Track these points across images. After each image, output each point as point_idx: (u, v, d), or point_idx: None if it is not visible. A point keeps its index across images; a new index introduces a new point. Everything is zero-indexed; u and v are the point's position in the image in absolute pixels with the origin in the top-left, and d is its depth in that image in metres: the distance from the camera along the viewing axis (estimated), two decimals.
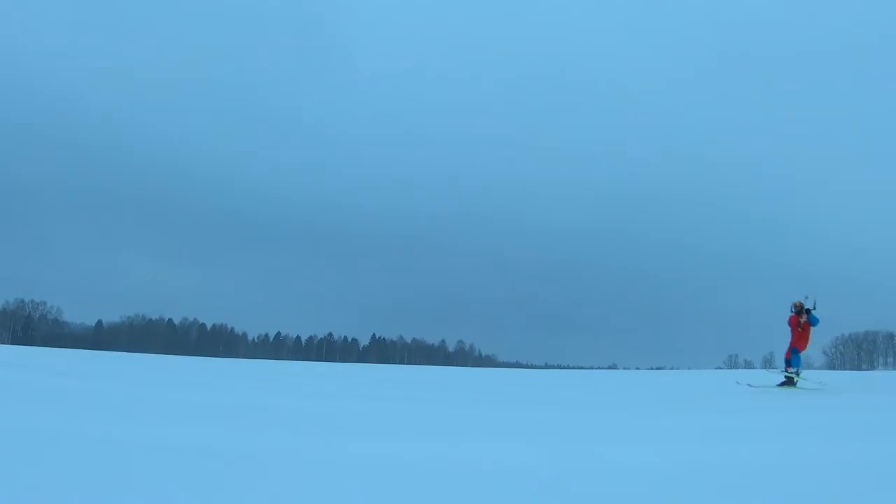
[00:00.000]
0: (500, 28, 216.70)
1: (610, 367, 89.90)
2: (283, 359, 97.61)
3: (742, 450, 5.02)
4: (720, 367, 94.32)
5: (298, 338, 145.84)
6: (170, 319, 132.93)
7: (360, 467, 3.67)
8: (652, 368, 73.78)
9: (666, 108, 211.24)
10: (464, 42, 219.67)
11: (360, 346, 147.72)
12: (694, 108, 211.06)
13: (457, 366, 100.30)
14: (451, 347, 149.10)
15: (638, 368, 74.00)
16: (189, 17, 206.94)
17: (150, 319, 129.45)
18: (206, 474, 3.29)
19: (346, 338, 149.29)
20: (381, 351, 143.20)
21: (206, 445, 4.12)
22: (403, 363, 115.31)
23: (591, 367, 69.69)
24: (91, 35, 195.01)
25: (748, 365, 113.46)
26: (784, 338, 18.55)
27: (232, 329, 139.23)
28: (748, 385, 18.07)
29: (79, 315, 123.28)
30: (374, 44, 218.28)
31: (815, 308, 18.08)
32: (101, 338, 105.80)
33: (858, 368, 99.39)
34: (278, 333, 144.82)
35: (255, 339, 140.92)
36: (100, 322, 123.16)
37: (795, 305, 18.00)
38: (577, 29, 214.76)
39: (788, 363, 18.22)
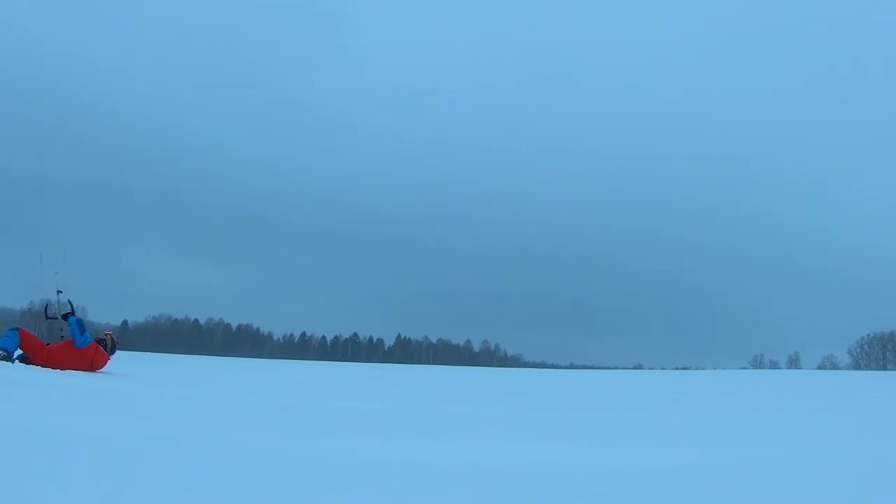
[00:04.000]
0: (516, 25, 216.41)
1: (635, 368, 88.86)
2: (309, 359, 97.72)
3: (773, 451, 4.82)
4: (745, 367, 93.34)
5: (324, 338, 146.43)
6: (195, 319, 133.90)
7: (371, 468, 3.50)
8: (677, 368, 72.82)
9: (702, 107, 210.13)
10: (483, 42, 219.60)
11: (386, 347, 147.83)
12: (728, 108, 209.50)
13: (481, 366, 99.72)
14: (476, 348, 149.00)
15: (663, 368, 73.06)
16: (225, 21, 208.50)
17: (176, 319, 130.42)
18: (217, 475, 3.11)
19: (371, 338, 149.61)
20: (406, 351, 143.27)
21: (216, 445, 3.94)
22: (428, 363, 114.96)
23: (616, 368, 68.96)
24: (114, 36, 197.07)
25: (773, 365, 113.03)
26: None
27: (257, 329, 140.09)
28: None
29: (104, 315, 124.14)
30: (388, 45, 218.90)
31: (72, 311, 11.66)
32: (126, 337, 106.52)
33: (884, 368, 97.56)
34: (304, 334, 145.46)
35: (281, 340, 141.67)
36: (125, 322, 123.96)
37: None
38: (592, 27, 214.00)
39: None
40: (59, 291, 11.55)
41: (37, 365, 10.74)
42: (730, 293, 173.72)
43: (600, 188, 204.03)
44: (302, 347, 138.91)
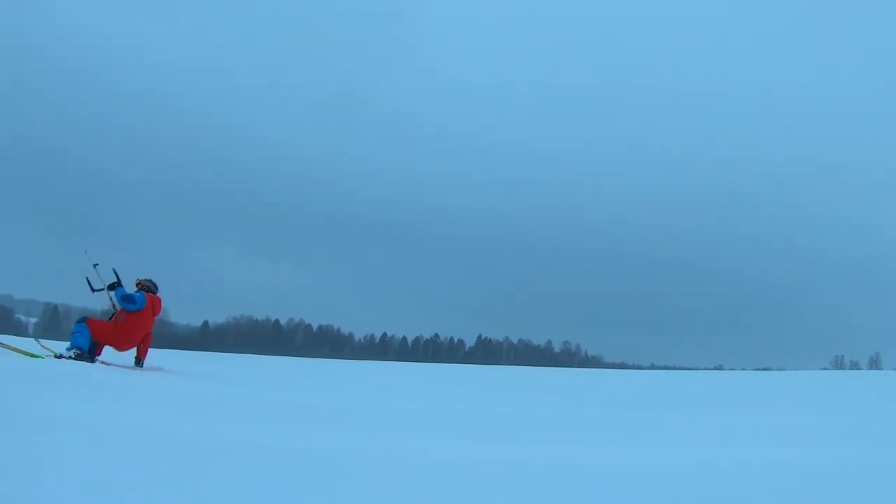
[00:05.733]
0: (592, 21, 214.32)
1: (716, 368, 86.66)
2: (389, 360, 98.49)
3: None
4: (826, 368, 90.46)
5: (404, 338, 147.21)
6: (276, 320, 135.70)
7: (379, 464, 3.58)
8: (758, 369, 70.65)
9: (782, 108, 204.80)
10: (559, 38, 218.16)
11: (466, 347, 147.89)
12: (810, 108, 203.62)
13: (561, 367, 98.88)
14: (557, 348, 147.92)
15: (744, 369, 70.93)
16: (285, 19, 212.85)
17: (257, 320, 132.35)
18: (286, 474, 3.16)
19: (452, 339, 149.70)
20: (487, 352, 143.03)
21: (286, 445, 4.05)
22: (509, 364, 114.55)
23: (696, 368, 67.52)
24: (189, 37, 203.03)
25: (854, 366, 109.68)
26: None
27: (338, 330, 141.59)
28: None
29: (185, 316, 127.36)
30: (456, 41, 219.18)
31: (118, 282, 11.58)
32: (207, 338, 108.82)
33: None
34: (384, 334, 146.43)
35: (362, 340, 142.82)
36: (206, 323, 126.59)
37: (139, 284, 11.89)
38: (672, 22, 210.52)
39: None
40: (95, 264, 11.57)
41: (112, 347, 11.33)
42: (811, 293, 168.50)
43: (680, 189, 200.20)
44: (382, 348, 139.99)
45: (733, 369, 73.32)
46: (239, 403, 6.74)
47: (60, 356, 10.73)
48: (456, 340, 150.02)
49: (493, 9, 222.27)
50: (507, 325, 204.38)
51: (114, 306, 11.46)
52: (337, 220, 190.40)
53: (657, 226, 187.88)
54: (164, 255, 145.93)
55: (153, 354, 16.97)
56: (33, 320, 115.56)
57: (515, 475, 3.40)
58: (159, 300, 11.93)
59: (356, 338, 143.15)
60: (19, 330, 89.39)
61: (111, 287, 11.54)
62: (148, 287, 11.81)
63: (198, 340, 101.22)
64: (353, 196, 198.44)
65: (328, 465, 3.47)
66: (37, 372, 7.66)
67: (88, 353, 11.04)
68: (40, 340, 12.33)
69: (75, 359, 10.64)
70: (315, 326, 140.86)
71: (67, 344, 11.16)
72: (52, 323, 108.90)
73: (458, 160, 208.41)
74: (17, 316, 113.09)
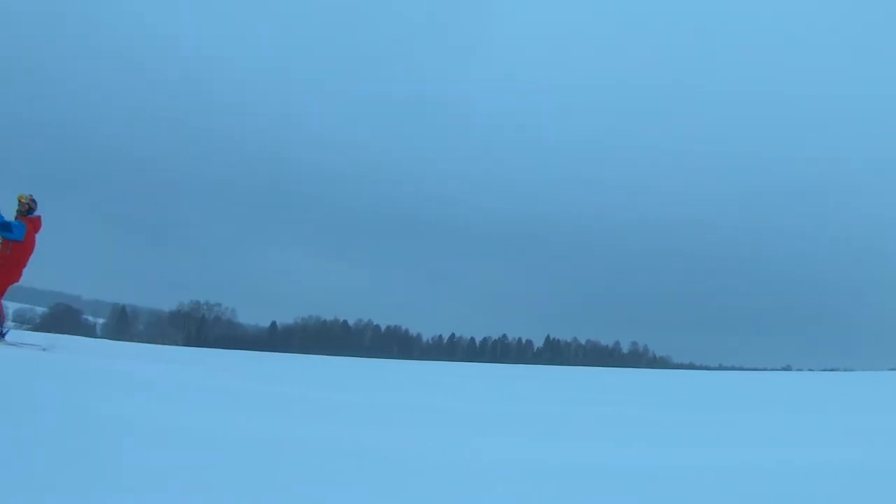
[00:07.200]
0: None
1: (784, 369, 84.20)
2: (457, 360, 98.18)
3: None
4: (894, 369, 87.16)
5: (472, 339, 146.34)
6: (344, 321, 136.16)
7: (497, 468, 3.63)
8: (825, 370, 68.42)
9: (849, 106, 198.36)
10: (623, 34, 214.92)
11: (535, 348, 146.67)
12: (880, 105, 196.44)
13: (628, 367, 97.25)
14: (624, 349, 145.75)
15: (811, 370, 68.77)
16: (354, 22, 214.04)
17: (324, 321, 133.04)
18: (347, 474, 3.26)
19: (520, 339, 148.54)
20: (555, 352, 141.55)
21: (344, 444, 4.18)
22: (576, 365, 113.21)
23: (763, 369, 65.65)
24: (258, 36, 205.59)
25: None
26: None
27: (406, 330, 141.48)
28: None
29: (253, 317, 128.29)
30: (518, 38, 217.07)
31: None
32: (275, 339, 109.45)
33: None
34: (452, 335, 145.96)
35: (430, 341, 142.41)
36: (274, 324, 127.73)
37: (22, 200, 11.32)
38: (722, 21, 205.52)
39: None
40: None
41: (9, 285, 11.03)
42: (880, 293, 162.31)
43: (751, 188, 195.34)
44: (451, 349, 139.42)
45: (801, 370, 71.27)
46: (283, 402, 6.95)
47: None
48: (524, 341, 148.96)
49: (562, 6, 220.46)
50: (576, 326, 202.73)
51: None
52: (405, 220, 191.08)
53: (726, 226, 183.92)
54: (232, 256, 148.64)
55: (219, 356, 17.35)
56: (101, 321, 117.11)
57: (526, 475, 3.47)
58: (39, 219, 11.43)
59: (424, 339, 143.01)
60: (87, 330, 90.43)
61: None
62: (30, 206, 11.30)
63: (266, 341, 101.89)
64: (420, 196, 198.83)
65: (340, 462, 3.59)
66: (101, 374, 8.03)
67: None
68: None
69: None
70: (383, 327, 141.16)
71: None
72: (119, 323, 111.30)
73: (528, 161, 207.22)
74: (84, 316, 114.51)
